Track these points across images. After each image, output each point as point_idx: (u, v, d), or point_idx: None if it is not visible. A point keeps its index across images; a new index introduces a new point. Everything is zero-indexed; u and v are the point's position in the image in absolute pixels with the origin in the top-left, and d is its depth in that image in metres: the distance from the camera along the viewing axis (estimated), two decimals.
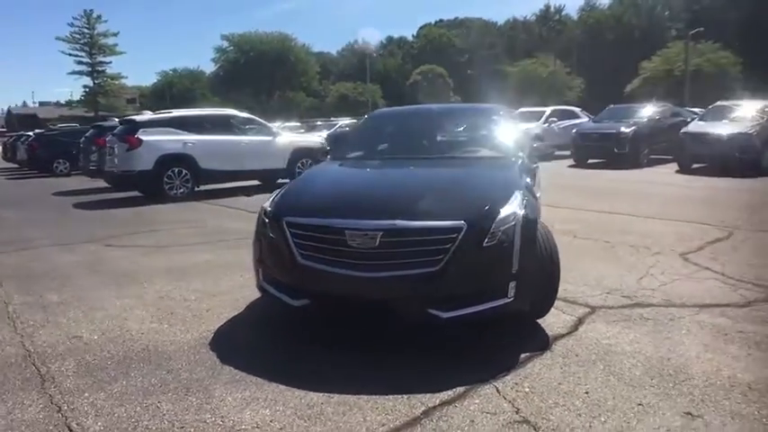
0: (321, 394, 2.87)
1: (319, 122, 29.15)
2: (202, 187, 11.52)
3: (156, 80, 68.51)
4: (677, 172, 14.07)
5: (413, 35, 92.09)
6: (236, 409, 2.76)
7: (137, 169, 10.44)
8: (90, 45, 49.47)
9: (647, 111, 16.85)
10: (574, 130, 16.78)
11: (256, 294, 4.47)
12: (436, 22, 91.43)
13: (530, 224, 3.42)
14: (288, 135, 13.52)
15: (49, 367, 3.28)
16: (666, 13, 70.64)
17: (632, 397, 2.82)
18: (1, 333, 3.87)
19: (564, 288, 4.04)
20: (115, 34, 50.12)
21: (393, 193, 3.74)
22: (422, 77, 68.81)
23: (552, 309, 3.81)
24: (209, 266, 5.58)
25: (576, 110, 21.41)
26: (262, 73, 55.77)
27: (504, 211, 3.34)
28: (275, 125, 14.61)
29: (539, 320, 3.76)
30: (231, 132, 11.61)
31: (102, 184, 13.05)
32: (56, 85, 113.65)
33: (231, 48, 58.48)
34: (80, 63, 50.01)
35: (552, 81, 54.49)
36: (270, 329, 3.91)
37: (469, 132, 5.15)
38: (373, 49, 79.72)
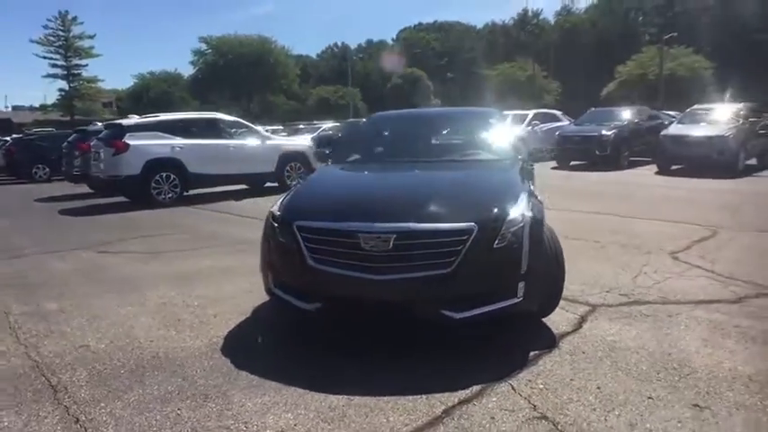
0: (341, 397, 2.91)
1: (302, 126, 28.99)
2: (191, 192, 11.44)
3: (132, 83, 67.51)
4: (657, 173, 14.39)
5: (393, 38, 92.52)
6: (257, 414, 2.78)
7: (124, 174, 10.31)
8: (65, 47, 48.47)
9: (627, 114, 17.19)
10: (557, 133, 17.04)
11: (262, 299, 4.50)
12: (416, 26, 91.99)
13: (537, 225, 3.51)
14: (276, 138, 13.50)
15: (59, 377, 3.25)
16: (640, 18, 72.04)
17: (642, 391, 2.92)
18: (4, 344, 3.82)
19: (564, 287, 4.13)
20: (91, 36, 49.27)
21: (404, 195, 3.78)
22: (402, 81, 69.13)
23: None
24: (210, 272, 5.57)
25: (558, 113, 21.74)
26: (241, 76, 55.20)
27: (513, 213, 3.42)
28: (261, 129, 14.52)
29: (543, 319, 3.85)
30: (219, 136, 11.55)
31: (85, 189, 12.88)
32: (30, 88, 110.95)
33: (209, 50, 57.83)
34: (55, 66, 49.00)
35: (530, 85, 55.15)
36: (280, 333, 3.94)
37: (470, 135, 5.23)
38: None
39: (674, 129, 14.80)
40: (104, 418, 2.78)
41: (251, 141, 11.97)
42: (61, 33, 48.36)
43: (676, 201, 9.71)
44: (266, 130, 14.18)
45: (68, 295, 4.91)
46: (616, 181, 13.32)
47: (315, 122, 31.20)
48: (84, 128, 15.34)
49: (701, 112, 15.45)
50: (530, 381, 3.06)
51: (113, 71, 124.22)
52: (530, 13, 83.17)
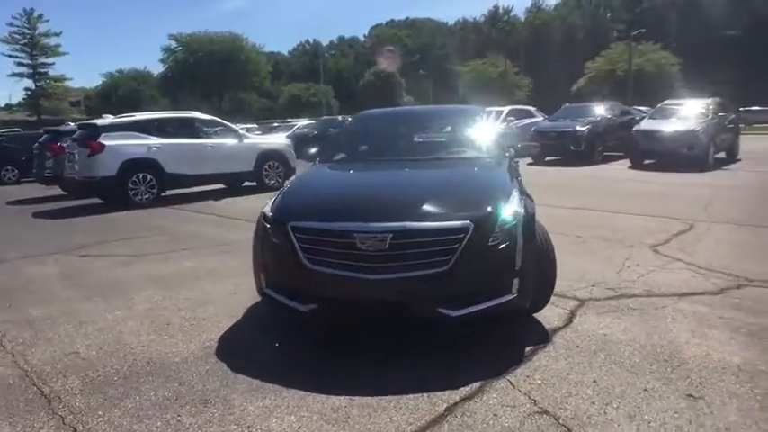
0: (342, 397, 2.91)
1: (276, 123, 28.77)
2: (168, 192, 11.25)
3: (101, 81, 66.10)
4: (630, 168, 14.68)
5: (364, 35, 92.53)
6: (260, 417, 2.76)
7: (99, 175, 10.07)
8: (31, 46, 47.28)
9: (600, 110, 17.50)
10: (532, 129, 17.23)
11: (251, 301, 4.49)
12: (387, 23, 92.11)
13: (529, 222, 3.56)
14: (254, 137, 13.36)
15: (51, 386, 3.17)
16: (608, 14, 73.33)
17: (637, 383, 2.99)
18: None
19: None
20: (57, 34, 48.16)
21: (398, 195, 3.78)
22: (375, 77, 69.08)
23: None
24: (195, 274, 5.50)
25: (532, 109, 21.99)
26: (212, 73, 54.47)
27: (507, 210, 3.46)
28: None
29: (534, 315, 3.90)
30: (196, 135, 11.38)
31: (57, 192, 12.56)
32: None
33: (180, 48, 56.91)
34: (20, 65, 47.80)
35: (502, 81, 55.66)
36: (273, 335, 3.89)
37: (457, 133, 5.26)
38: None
39: (646, 124, 15.12)
40: (103, 427, 2.72)
41: (228, 140, 11.83)
42: (27, 31, 47.26)
43: (651, 195, 9.93)
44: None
45: (52, 301, 4.79)
46: (591, 176, 13.55)
47: (289, 120, 30.99)
48: (56, 128, 14.91)
49: (672, 107, 15.82)
50: (527, 376, 3.11)
51: (81, 69, 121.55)
52: (500, 10, 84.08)
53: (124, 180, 10.18)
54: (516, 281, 3.40)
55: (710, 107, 14.76)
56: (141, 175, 10.38)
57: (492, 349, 3.50)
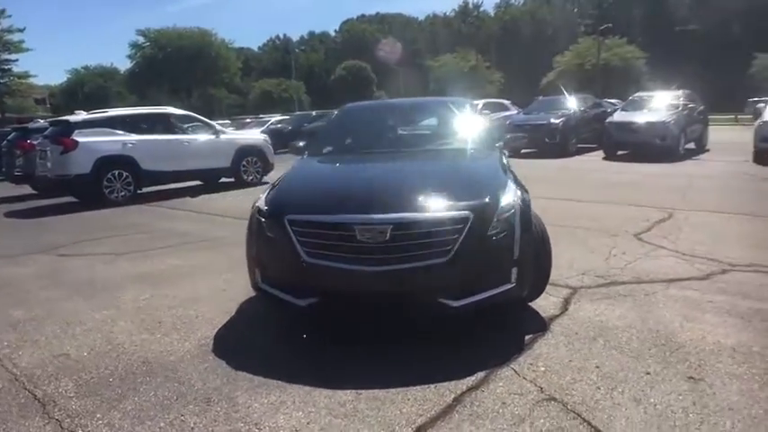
0: (348, 391, 2.88)
1: (249, 119, 28.47)
2: (144, 190, 11.00)
3: (66, 78, 64.34)
4: (604, 159, 14.92)
5: (335, 30, 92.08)
6: (266, 415, 2.70)
7: (73, 173, 9.77)
8: None
9: (573, 102, 17.72)
10: (507, 122, 17.37)
11: (243, 297, 4.42)
12: (358, 18, 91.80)
13: (526, 211, 3.57)
14: (231, 132, 13.14)
15: (44, 390, 3.06)
16: (575, 9, 74.40)
17: (638, 367, 3.03)
18: None
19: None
20: (21, 30, 46.52)
21: (396, 186, 3.74)
22: (346, 73, 68.86)
23: None
24: (181, 271, 5.39)
25: (506, 102, 22.17)
26: (181, 69, 53.46)
27: (504, 200, 3.46)
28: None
29: (530, 303, 3.92)
30: (172, 131, 11.13)
31: (28, 190, 12.15)
32: None
33: (147, 43, 55.69)
34: None
35: (474, 75, 56.05)
36: (270, 330, 3.84)
37: (446, 125, 5.23)
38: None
39: (619, 116, 15.37)
40: (103, 430, 2.64)
41: (206, 136, 11.61)
42: None
43: (627, 185, 10.10)
44: None
45: (34, 301, 4.63)
46: (567, 167, 13.72)
47: (262, 116, 30.66)
48: (26, 125, 14.41)
49: (644, 99, 16.13)
50: (531, 364, 3.12)
51: (46, 66, 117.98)
52: (470, 5, 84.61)
53: (99, 178, 9.91)
54: (515, 270, 3.41)
55: (681, 99, 15.09)
56: (117, 173, 10.11)
57: (492, 338, 3.51)
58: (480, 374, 3.01)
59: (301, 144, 5.23)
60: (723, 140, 17.84)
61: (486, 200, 3.43)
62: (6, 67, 46.89)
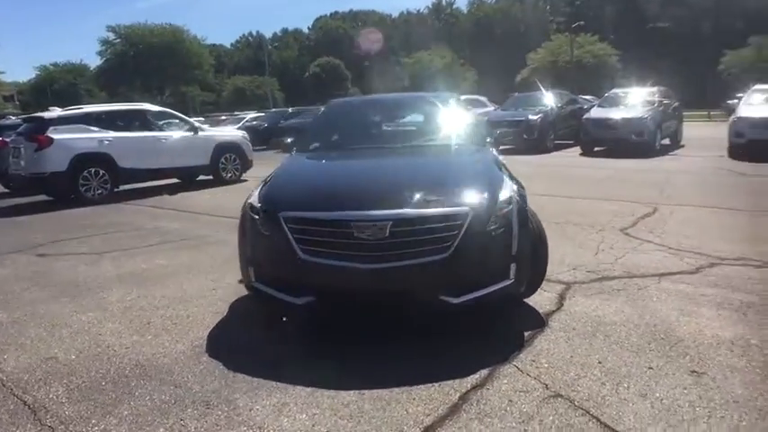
0: (351, 392, 2.82)
1: (224, 116, 28.05)
2: (121, 187, 10.76)
3: (35, 75, 62.70)
4: (581, 155, 15.09)
5: (308, 27, 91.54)
6: (270, 417, 2.63)
7: (48, 171, 9.48)
8: None
9: (550, 99, 17.87)
10: (485, 119, 17.41)
11: (233, 296, 4.34)
12: (331, 15, 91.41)
13: (523, 207, 3.55)
14: (210, 129, 12.91)
15: (34, 395, 2.93)
16: (548, 7, 75.17)
17: (640, 362, 3.03)
18: None
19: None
20: None
21: (394, 182, 3.68)
22: (320, 69, 68.52)
23: None
24: (165, 271, 5.25)
25: (483, 99, 22.29)
26: (152, 66, 52.42)
27: (502, 196, 3.44)
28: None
29: (525, 299, 3.90)
30: (150, 128, 10.88)
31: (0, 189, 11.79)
32: None
33: (118, 40, 54.47)
34: None
35: (448, 72, 56.24)
36: (264, 330, 3.75)
37: (437, 120, 5.18)
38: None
39: (596, 112, 15.55)
40: None
41: (183, 133, 11.38)
42: None
43: (608, 180, 10.21)
44: None
45: (16, 303, 4.46)
46: (546, 164, 13.82)
47: (236, 113, 30.28)
48: None
49: (620, 95, 16.34)
50: (533, 361, 3.10)
51: (13, 63, 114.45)
52: (444, 3, 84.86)
53: (75, 175, 9.64)
54: (513, 266, 3.39)
55: (656, 95, 15.33)
56: (93, 170, 9.85)
57: (491, 335, 3.49)
58: (484, 372, 2.97)
59: (289, 140, 5.14)
60: (697, 136, 18.19)
61: (485, 195, 3.40)
62: None
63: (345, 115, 5.53)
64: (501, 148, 16.81)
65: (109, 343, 3.58)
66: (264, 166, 14.31)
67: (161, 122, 11.21)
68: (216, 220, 7.87)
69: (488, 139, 4.84)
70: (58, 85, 57.06)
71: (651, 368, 2.96)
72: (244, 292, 4.35)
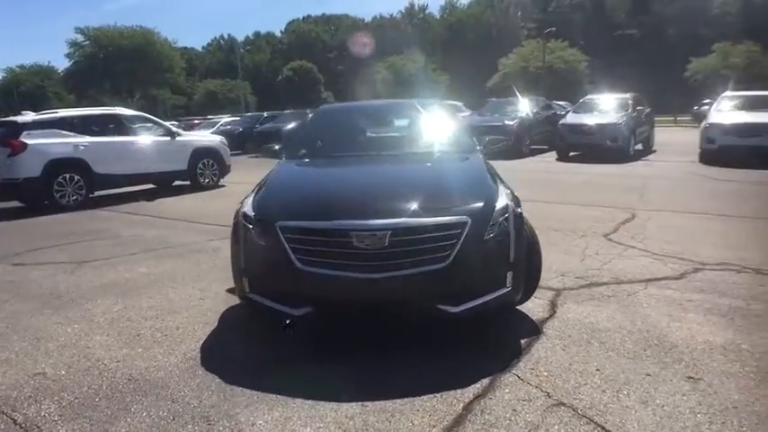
0: (354, 404, 2.79)
1: (197, 120, 27.70)
2: (97, 193, 10.49)
3: (0, 77, 61.05)
4: (557, 160, 15.30)
5: (281, 31, 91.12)
6: None
7: (22, 177, 9.19)
8: None
9: (525, 104, 18.10)
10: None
11: (222, 306, 4.28)
12: (304, 18, 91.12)
13: (518, 215, 3.57)
14: (187, 134, 12.69)
15: (24, 414, 2.82)
16: (519, 13, 76.28)
17: (638, 369, 3.07)
18: None
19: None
20: None
21: (391, 190, 3.65)
22: (293, 73, 68.24)
23: None
24: (148, 280, 5.13)
25: (459, 104, 22.43)
26: (122, 69, 51.50)
27: (499, 204, 3.45)
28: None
29: (517, 306, 3.91)
30: (126, 133, 10.66)
31: None
32: None
33: (87, 42, 53.33)
34: None
35: (421, 77, 56.51)
36: (258, 341, 3.68)
37: (428, 128, 5.17)
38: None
39: (571, 118, 15.80)
40: None
41: (161, 138, 11.17)
42: None
43: (585, 186, 10.37)
44: None
45: None
46: (523, 169, 13.94)
47: (210, 117, 29.96)
48: None
49: (594, 101, 16.65)
50: (532, 369, 3.11)
51: None
52: (416, 8, 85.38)
53: (49, 181, 9.39)
54: (510, 274, 3.40)
55: (630, 101, 15.65)
56: (68, 176, 9.60)
57: (489, 343, 3.50)
58: (485, 381, 2.97)
59: (277, 147, 5.08)
60: (667, 141, 18.63)
61: (483, 204, 3.41)
62: None
63: (335, 122, 5.49)
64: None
65: (98, 356, 3.47)
66: (242, 172, 14.24)
67: (137, 127, 10.98)
68: (196, 226, 7.74)
69: (478, 147, 4.84)
70: (24, 87, 55.65)
71: (649, 375, 3.00)
72: (233, 301, 4.31)
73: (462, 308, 3.23)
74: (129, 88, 55.98)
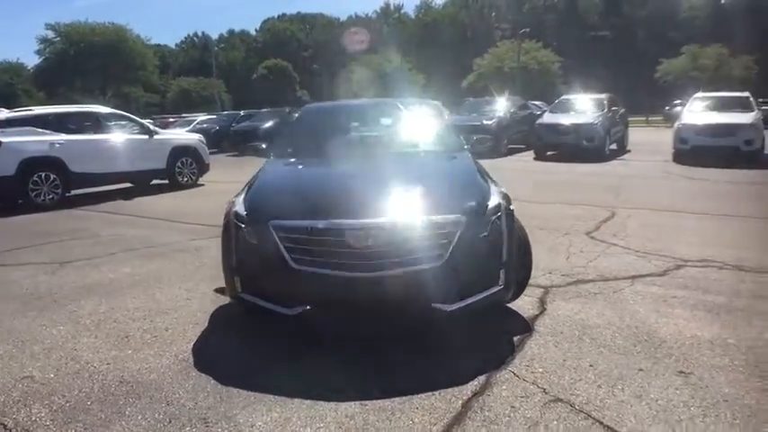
0: (353, 403, 2.78)
1: (172, 119, 27.29)
2: (73, 192, 10.27)
3: None
4: (535, 159, 15.49)
5: (256, 29, 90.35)
6: None
7: None
8: None
9: (503, 104, 18.27)
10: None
11: (211, 307, 4.23)
12: (279, 17, 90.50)
13: (510, 213, 3.60)
14: (165, 132, 12.49)
15: (14, 419, 2.74)
16: (493, 14, 76.96)
17: (630, 364, 3.12)
18: None
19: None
20: None
21: (384, 189, 3.63)
22: (268, 72, 67.71)
23: None
24: (133, 281, 5.04)
25: (437, 104, 22.46)
26: (94, 66, 50.41)
27: (492, 203, 3.49)
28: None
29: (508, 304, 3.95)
30: (103, 131, 10.45)
31: None
32: None
33: (58, 38, 52.05)
34: None
35: (396, 76, 56.55)
36: (250, 341, 3.63)
37: (417, 127, 5.19)
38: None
39: (548, 117, 16.01)
40: None
41: (138, 136, 10.96)
42: None
43: (564, 185, 10.51)
44: None
45: None
46: (502, 168, 13.97)
47: (185, 115, 29.54)
48: None
49: (571, 101, 16.89)
50: (527, 366, 3.14)
51: None
52: (392, 7, 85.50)
53: (24, 180, 9.15)
54: (502, 272, 3.44)
55: (605, 102, 15.92)
56: (43, 175, 9.37)
57: (481, 341, 3.51)
58: (481, 379, 2.99)
59: (264, 146, 5.03)
60: (640, 141, 18.99)
61: (477, 203, 3.44)
62: None
63: (322, 121, 5.45)
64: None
65: (87, 359, 3.39)
66: (221, 170, 14.08)
67: (114, 125, 10.76)
68: (177, 226, 7.62)
69: (465, 146, 4.87)
70: None
71: (641, 370, 3.05)
72: (221, 301, 4.27)
73: (456, 306, 3.25)
74: (102, 86, 54.86)
